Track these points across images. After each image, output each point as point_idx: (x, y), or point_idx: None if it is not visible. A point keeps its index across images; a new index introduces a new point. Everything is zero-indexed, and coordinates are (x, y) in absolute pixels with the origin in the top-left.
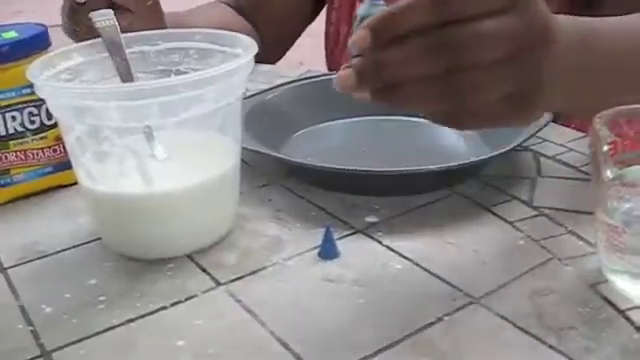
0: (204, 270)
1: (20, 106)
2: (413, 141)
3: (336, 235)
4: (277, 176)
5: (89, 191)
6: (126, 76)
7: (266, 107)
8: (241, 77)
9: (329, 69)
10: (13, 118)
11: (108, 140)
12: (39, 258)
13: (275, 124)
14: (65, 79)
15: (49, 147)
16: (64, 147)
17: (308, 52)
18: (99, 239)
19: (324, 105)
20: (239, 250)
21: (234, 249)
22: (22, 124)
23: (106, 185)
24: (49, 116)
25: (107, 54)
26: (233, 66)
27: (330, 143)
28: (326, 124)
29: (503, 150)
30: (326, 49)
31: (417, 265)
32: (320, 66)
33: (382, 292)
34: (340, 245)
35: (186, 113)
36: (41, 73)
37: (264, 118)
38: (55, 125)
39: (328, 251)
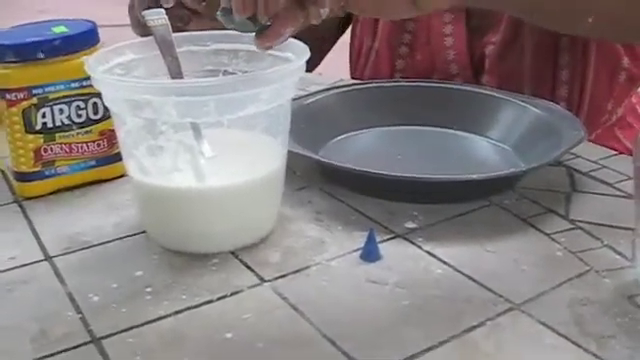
0: (248, 267)
1: (68, 99)
2: (447, 151)
3: (377, 239)
4: (316, 179)
5: (140, 184)
6: (176, 74)
7: (305, 112)
8: (293, 80)
9: (353, 79)
10: (60, 111)
11: (163, 135)
12: (84, 249)
13: (313, 129)
14: (118, 74)
15: (93, 141)
16: (108, 142)
17: (325, 63)
18: (143, 232)
19: (360, 112)
20: (282, 249)
21: (277, 248)
22: (69, 117)
23: (158, 178)
24: (95, 110)
25: (158, 52)
26: (289, 68)
27: (366, 149)
28: (362, 131)
29: (542, 163)
30: (350, 60)
31: (458, 271)
32: (340, 76)
33: (425, 295)
34: (381, 248)
35: (241, 112)
36: (97, 67)
37: (303, 123)
38: (100, 120)
39: (371, 253)
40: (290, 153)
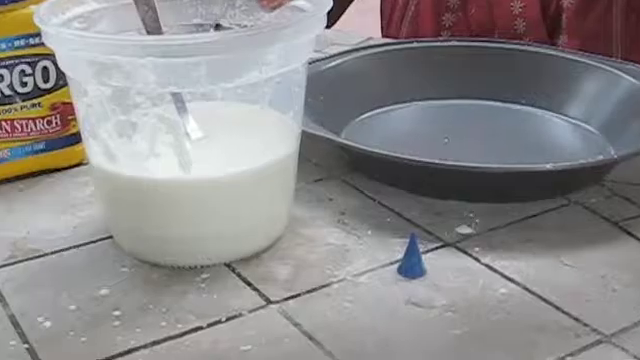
0: (249, 284)
1: (9, 62)
2: (511, 133)
3: (420, 248)
4: (337, 169)
5: (105, 174)
6: (153, 29)
7: (323, 81)
8: (309, 37)
9: (385, 38)
10: (0, 78)
11: (138, 109)
12: (31, 259)
13: (335, 103)
14: (77, 28)
15: (42, 118)
16: (62, 118)
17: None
18: (109, 238)
19: (396, 82)
20: (293, 260)
21: (287, 259)
22: (10, 86)
23: (130, 167)
24: (46, 77)
25: (128, 1)
26: (304, 21)
27: (402, 130)
28: (397, 106)
29: (638, 149)
30: (382, 14)
31: (527, 290)
32: (368, 34)
33: (483, 322)
34: (425, 261)
35: (240, 79)
36: (49, 19)
37: (320, 95)
38: (52, 89)
39: (412, 267)
40: (305, 134)
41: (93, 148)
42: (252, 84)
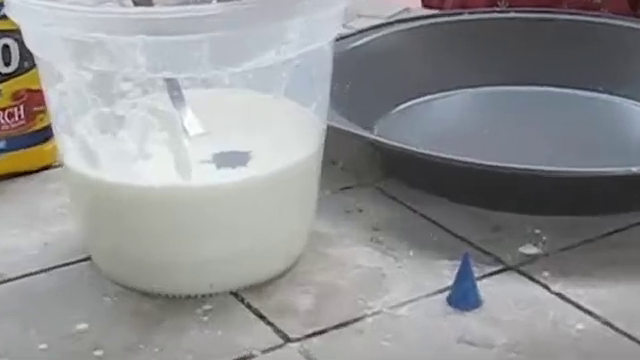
0: (261, 317)
1: None
2: (586, 127)
3: (475, 272)
4: (370, 173)
5: (83, 179)
6: (142, 0)
7: (349, 65)
8: (338, 8)
9: (426, 8)
10: None
11: (125, 98)
12: None
13: (364, 92)
14: None
15: (2, 109)
16: (27, 110)
17: None
18: (88, 259)
19: (438, 64)
20: (317, 288)
21: (308, 286)
22: None
23: (114, 170)
24: (7, 59)
25: None
26: None
27: (449, 124)
28: (442, 95)
29: None
30: None
31: (609, 325)
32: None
33: None
34: (482, 288)
35: (250, 61)
36: None
37: (347, 82)
38: (15, 74)
39: (465, 296)
40: (329, 130)
41: (68, 147)
42: (265, 68)
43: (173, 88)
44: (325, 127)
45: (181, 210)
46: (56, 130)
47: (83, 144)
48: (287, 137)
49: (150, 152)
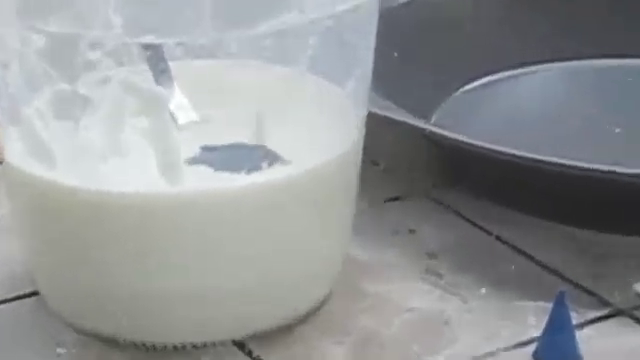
0: None
1: None
2: None
3: (573, 318)
4: (425, 179)
5: (31, 183)
6: None
7: (398, 28)
8: None
9: None
10: None
11: (92, 72)
12: None
13: (418, 67)
14: None
15: None
16: None
17: None
18: (35, 294)
19: (518, 30)
20: (353, 338)
21: (342, 336)
22: None
23: (76, 171)
24: None
25: None
26: None
27: (533, 111)
28: (523, 70)
29: None
30: None
31: None
32: None
33: None
34: (582, 339)
35: (265, 23)
36: None
37: (394, 51)
38: None
39: (559, 351)
40: (370, 119)
41: (11, 139)
42: (284, 32)
43: (157, 59)
44: (365, 114)
45: (165, 226)
46: None
47: (32, 135)
48: (312, 128)
49: (125, 147)
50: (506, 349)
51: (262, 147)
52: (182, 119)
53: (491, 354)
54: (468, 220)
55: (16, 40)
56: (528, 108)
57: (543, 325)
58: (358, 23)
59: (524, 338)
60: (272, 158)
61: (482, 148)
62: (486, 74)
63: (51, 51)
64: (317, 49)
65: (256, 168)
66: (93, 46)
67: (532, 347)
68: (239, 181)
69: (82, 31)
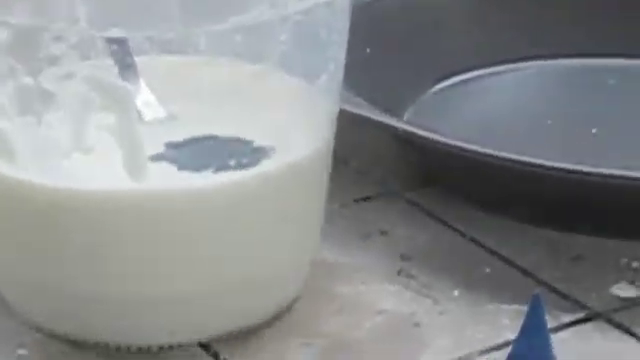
0: None
1: None
2: None
3: (548, 321)
4: (397, 179)
5: None
6: None
7: (369, 23)
8: None
9: None
10: None
11: (55, 66)
12: None
13: (390, 62)
14: None
15: None
16: None
17: None
18: None
19: (495, 25)
20: (323, 341)
21: (311, 338)
22: None
23: (39, 168)
24: None
25: None
26: None
27: (510, 110)
28: (502, 68)
29: None
30: None
31: None
32: None
33: None
34: (558, 343)
35: (235, 17)
36: None
37: (366, 46)
38: None
39: (534, 354)
40: (341, 117)
41: None
42: (255, 28)
43: (122, 53)
44: (337, 111)
45: (129, 225)
46: None
47: None
48: (282, 125)
49: (89, 144)
50: (480, 353)
51: (233, 139)
52: (148, 115)
53: (464, 358)
54: (441, 221)
55: None
56: (502, 107)
57: (517, 328)
58: (330, 18)
59: (498, 341)
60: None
61: (455, 147)
62: (459, 72)
63: (13, 44)
64: (288, 45)
65: (224, 167)
66: (57, 39)
67: (506, 351)
68: (205, 179)
69: (46, 23)
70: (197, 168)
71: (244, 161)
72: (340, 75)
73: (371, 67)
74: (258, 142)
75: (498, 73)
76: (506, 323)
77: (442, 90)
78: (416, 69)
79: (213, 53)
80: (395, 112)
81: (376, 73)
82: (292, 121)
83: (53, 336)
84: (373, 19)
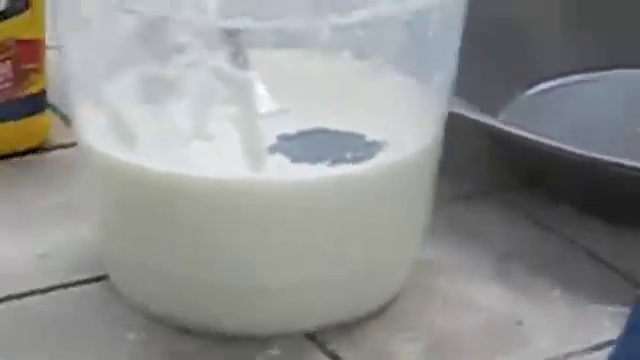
0: None
1: None
2: None
3: None
4: (497, 180)
5: (110, 164)
6: None
7: (467, 31)
8: None
9: None
10: None
11: (180, 55)
12: None
13: (484, 64)
14: None
15: None
16: (16, 69)
17: None
18: (104, 278)
19: (592, 31)
20: (426, 335)
21: (415, 332)
22: None
23: (160, 155)
24: None
25: None
26: None
27: (596, 116)
28: (590, 76)
29: None
30: None
31: None
32: None
33: None
34: None
35: (358, 11)
36: None
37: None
38: (2, 17)
39: (635, 355)
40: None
41: (91, 120)
42: (377, 22)
43: (237, 45)
44: (446, 112)
45: (246, 214)
46: (75, 96)
47: (115, 116)
48: (393, 122)
49: (210, 132)
50: (581, 352)
51: (345, 133)
52: (264, 108)
53: (565, 356)
54: (540, 223)
55: (104, 19)
56: (594, 113)
57: (618, 330)
58: (445, 15)
59: (599, 341)
60: (356, 146)
61: (557, 148)
62: (555, 77)
63: (140, 32)
64: (398, 42)
65: (340, 160)
66: (183, 28)
67: (607, 350)
68: (320, 171)
69: (173, 12)
70: (312, 160)
71: (359, 154)
72: (452, 76)
73: (467, 69)
74: (370, 137)
75: (591, 80)
76: (607, 323)
77: (534, 95)
78: (510, 73)
79: (333, 47)
80: (490, 112)
81: (472, 75)
82: (403, 118)
83: (162, 322)
84: (471, 20)
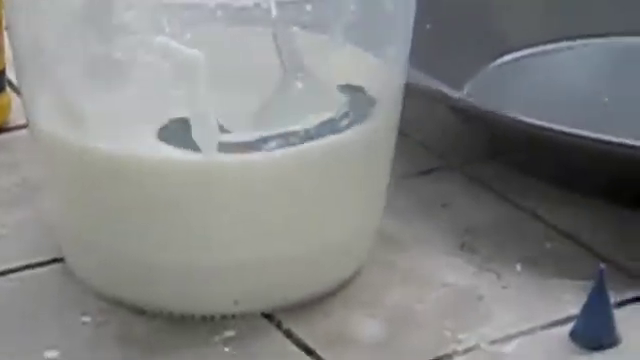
0: (307, 349)
1: None
2: None
3: (612, 297)
4: (459, 152)
5: (62, 146)
6: None
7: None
8: None
9: None
10: None
11: (127, 36)
12: None
13: (451, 37)
14: None
15: None
16: None
17: None
18: (60, 261)
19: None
20: (386, 312)
21: (374, 309)
22: None
23: (109, 135)
24: None
25: None
26: None
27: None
28: (566, 44)
29: None
30: None
31: None
32: None
33: None
34: (620, 319)
35: None
36: None
37: (426, 22)
38: None
39: (597, 331)
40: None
41: (41, 102)
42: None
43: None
44: (403, 84)
45: (197, 193)
46: (24, 78)
47: (64, 98)
48: (349, 96)
49: (158, 110)
50: (542, 328)
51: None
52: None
53: (527, 332)
54: (503, 195)
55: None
56: (559, 84)
57: (580, 304)
58: None
59: (561, 316)
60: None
61: (518, 121)
62: (521, 48)
63: (86, 11)
64: (354, 16)
65: (295, 136)
66: (128, 7)
67: (569, 326)
68: (274, 150)
69: None
70: (264, 139)
71: (313, 131)
72: (408, 48)
73: (431, 42)
74: (325, 113)
75: (556, 50)
76: (568, 298)
77: (499, 66)
78: (475, 45)
79: (282, 23)
80: (454, 87)
81: (436, 48)
82: (357, 92)
83: (117, 303)
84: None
